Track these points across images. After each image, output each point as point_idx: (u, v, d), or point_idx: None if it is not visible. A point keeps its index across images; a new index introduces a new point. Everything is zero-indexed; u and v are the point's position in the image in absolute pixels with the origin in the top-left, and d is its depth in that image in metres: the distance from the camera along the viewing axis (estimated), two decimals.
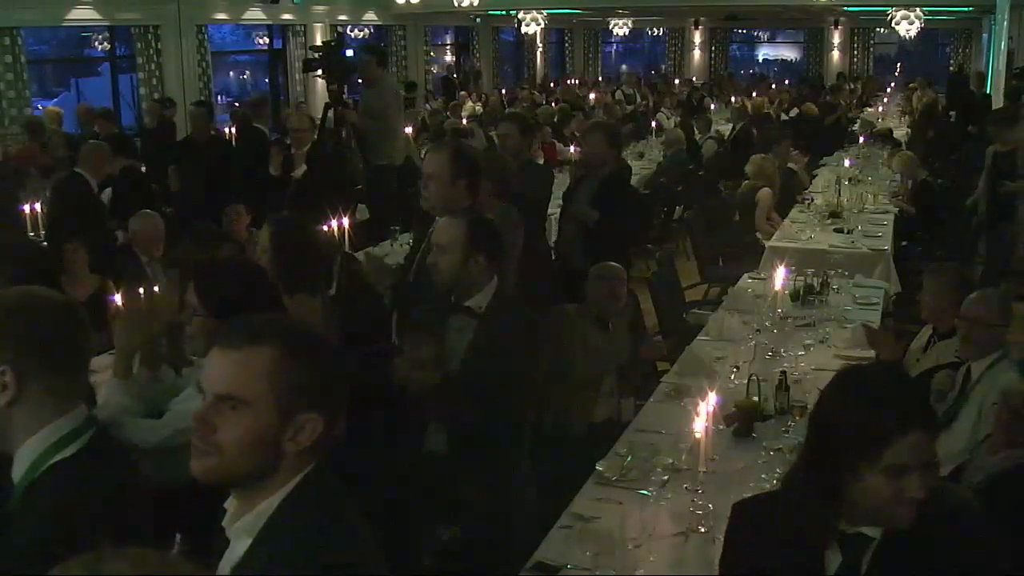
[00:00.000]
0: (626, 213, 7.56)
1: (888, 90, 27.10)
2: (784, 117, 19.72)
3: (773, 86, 26.10)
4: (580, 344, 5.91)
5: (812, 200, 11.23)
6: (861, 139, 16.12)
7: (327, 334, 4.94)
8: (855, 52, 31.45)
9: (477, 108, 21.63)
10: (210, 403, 2.23)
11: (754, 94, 22.25)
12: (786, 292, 7.12)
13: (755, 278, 8.24)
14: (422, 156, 8.40)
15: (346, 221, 7.63)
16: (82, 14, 17.47)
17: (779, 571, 2.75)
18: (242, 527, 2.27)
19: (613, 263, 6.30)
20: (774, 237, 9.78)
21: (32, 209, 9.23)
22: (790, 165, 12.48)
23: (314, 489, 2.27)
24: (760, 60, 37.80)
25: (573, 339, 5.89)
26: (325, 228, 7.24)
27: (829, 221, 10.24)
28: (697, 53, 32.97)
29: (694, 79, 29.59)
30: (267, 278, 4.22)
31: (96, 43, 20.59)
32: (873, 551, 2.65)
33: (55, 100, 20.42)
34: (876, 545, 2.65)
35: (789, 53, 36.87)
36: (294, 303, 4.91)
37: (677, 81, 28.60)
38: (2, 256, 4.42)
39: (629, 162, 14.91)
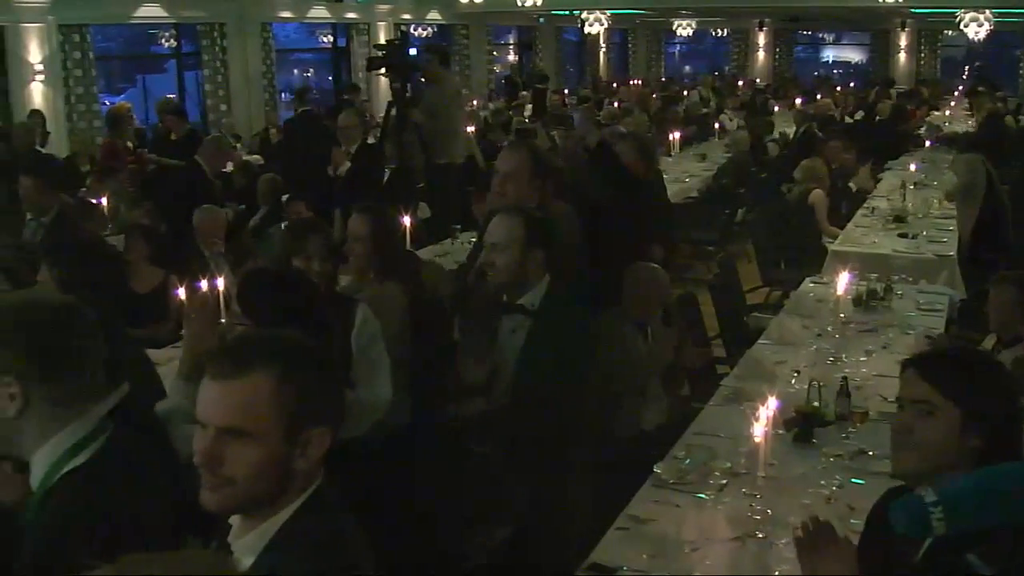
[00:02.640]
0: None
1: (956, 93, 26.75)
2: (848, 120, 19.53)
3: (838, 88, 25.83)
4: (619, 349, 5.80)
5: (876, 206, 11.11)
6: (927, 143, 15.93)
7: (408, 322, 5.03)
8: (922, 54, 31.08)
9: None
10: (213, 436, 2.16)
11: (818, 96, 22.05)
12: (848, 297, 7.05)
13: (817, 282, 8.16)
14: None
15: (407, 219, 7.65)
16: (149, 12, 17.71)
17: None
18: (245, 546, 2.22)
19: (653, 265, 6.23)
20: (837, 241, 9.69)
21: (99, 204, 9.36)
22: (851, 184, 12.36)
23: (316, 509, 2.24)
24: (825, 62, 37.47)
25: (612, 344, 5.77)
26: None
27: (893, 226, 10.12)
28: (761, 54, 32.74)
29: (757, 80, 29.37)
30: (312, 287, 4.25)
31: (162, 40, 20.84)
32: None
33: (122, 96, 20.70)
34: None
35: (854, 55, 36.52)
36: (385, 290, 5.01)
37: (741, 83, 28.40)
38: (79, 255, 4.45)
39: (691, 164, 14.94)
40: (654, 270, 6.13)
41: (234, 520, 2.26)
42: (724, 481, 4.44)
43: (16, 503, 2.76)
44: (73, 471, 2.46)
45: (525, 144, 6.16)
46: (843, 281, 6.85)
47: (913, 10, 26.29)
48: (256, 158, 15.12)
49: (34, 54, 15.62)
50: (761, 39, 32.59)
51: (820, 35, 36.76)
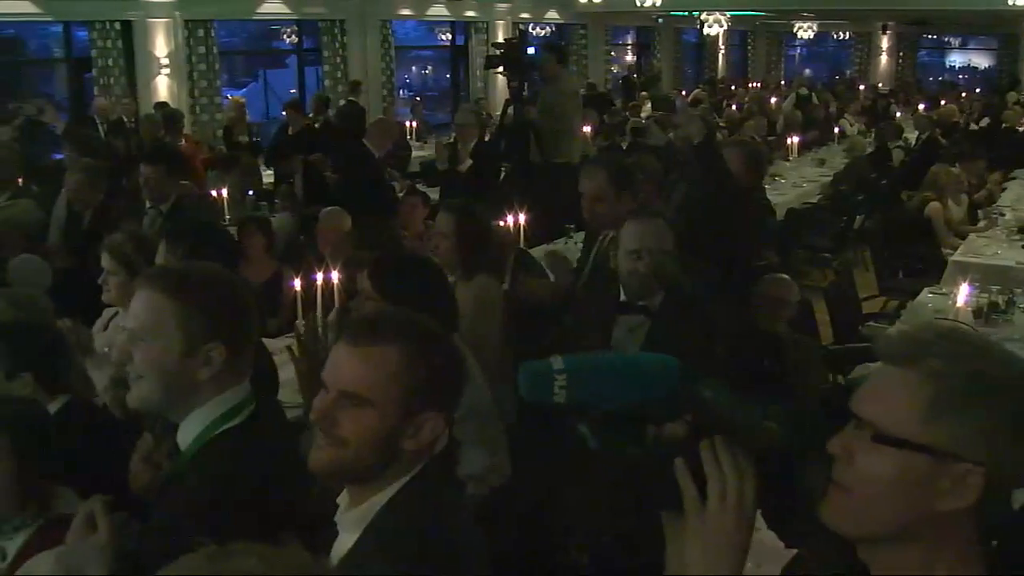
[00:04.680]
0: None
1: None
2: (974, 127, 19.07)
3: (964, 94, 25.22)
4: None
5: (1001, 215, 10.81)
6: None
7: (504, 319, 5.03)
8: None
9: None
10: (333, 398, 2.23)
11: (942, 102, 21.57)
12: (968, 309, 6.87)
13: (936, 293, 7.97)
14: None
15: (522, 217, 7.65)
16: (271, 8, 18.08)
17: None
18: (351, 519, 2.28)
19: (783, 276, 6.14)
20: (958, 251, 9.44)
21: (219, 195, 9.57)
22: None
23: (423, 488, 2.28)
24: (950, 67, 36.64)
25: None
26: (500, 223, 7.28)
27: (1018, 237, 9.82)
28: (884, 58, 32.15)
29: (879, 85, 28.82)
30: (440, 272, 4.29)
31: (284, 36, 21.19)
32: None
33: (243, 90, 21.08)
34: None
35: (980, 60, 35.65)
36: (475, 285, 5.03)
37: (862, 87, 27.88)
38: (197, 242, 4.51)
39: (809, 168, 14.73)
40: (781, 280, 6.03)
41: (342, 498, 2.32)
42: None
43: (142, 488, 2.83)
44: (227, 432, 2.55)
45: (600, 163, 6.13)
46: (963, 292, 6.69)
47: None
48: None
49: (160, 48, 16.03)
50: (884, 42, 31.97)
51: (945, 39, 35.96)
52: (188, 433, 2.56)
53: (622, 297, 4.73)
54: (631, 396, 1.89)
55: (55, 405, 3.52)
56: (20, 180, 8.23)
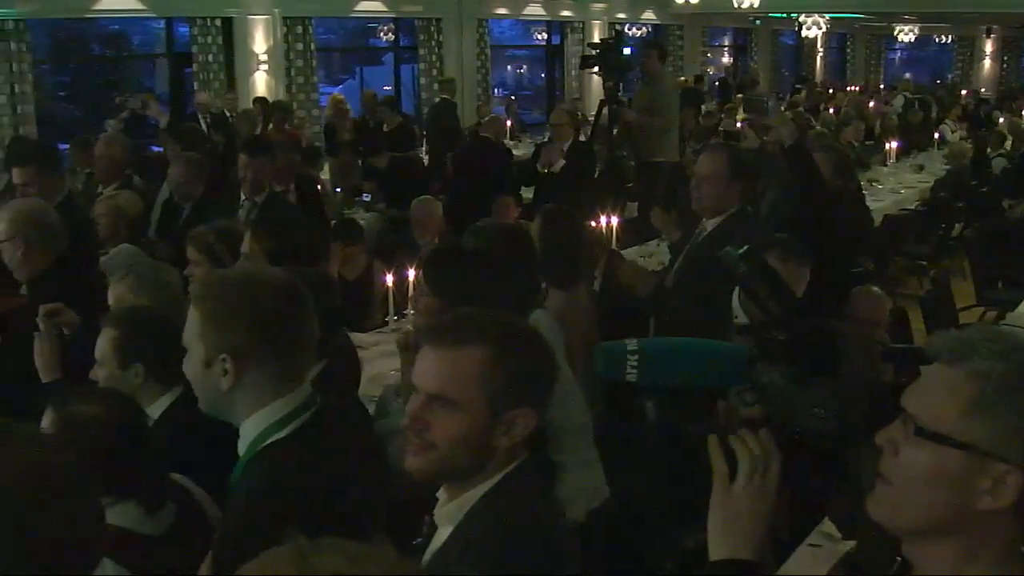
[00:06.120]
0: None
1: None
2: None
3: None
4: None
5: None
6: None
7: (588, 329, 4.96)
8: None
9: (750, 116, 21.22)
10: (423, 401, 2.24)
11: None
12: None
13: None
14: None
15: (615, 219, 7.63)
16: (369, 6, 18.24)
17: None
18: (446, 514, 2.30)
19: (875, 290, 6.01)
20: None
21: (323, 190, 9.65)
22: None
23: (517, 485, 2.28)
24: None
25: None
26: (593, 224, 7.27)
27: None
28: (987, 63, 31.44)
29: (982, 90, 28.20)
30: (499, 267, 4.18)
31: (381, 34, 21.36)
32: None
33: (339, 87, 21.29)
34: None
35: None
36: (552, 299, 4.95)
37: (964, 92, 27.31)
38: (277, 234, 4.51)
39: (908, 175, 14.47)
40: (877, 301, 5.92)
41: (440, 493, 2.34)
42: None
43: None
44: (276, 443, 2.53)
45: (724, 146, 6.07)
46: None
47: None
48: None
49: (259, 44, 16.26)
50: (988, 47, 31.28)
51: None
52: (243, 443, 2.57)
53: (740, 318, 4.53)
54: (699, 380, 2.02)
55: (168, 398, 3.44)
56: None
